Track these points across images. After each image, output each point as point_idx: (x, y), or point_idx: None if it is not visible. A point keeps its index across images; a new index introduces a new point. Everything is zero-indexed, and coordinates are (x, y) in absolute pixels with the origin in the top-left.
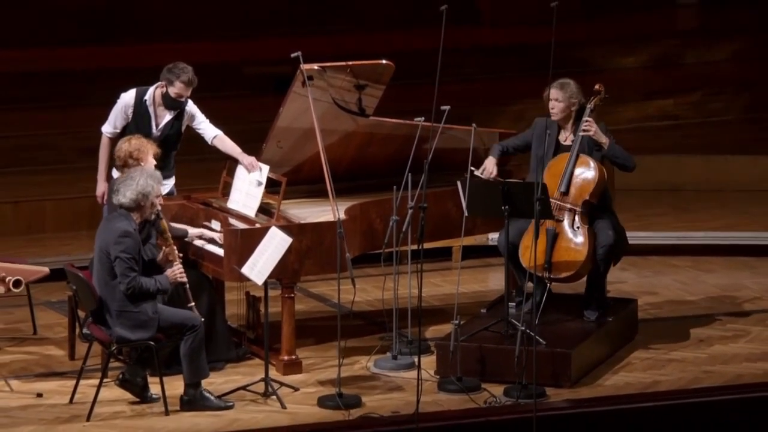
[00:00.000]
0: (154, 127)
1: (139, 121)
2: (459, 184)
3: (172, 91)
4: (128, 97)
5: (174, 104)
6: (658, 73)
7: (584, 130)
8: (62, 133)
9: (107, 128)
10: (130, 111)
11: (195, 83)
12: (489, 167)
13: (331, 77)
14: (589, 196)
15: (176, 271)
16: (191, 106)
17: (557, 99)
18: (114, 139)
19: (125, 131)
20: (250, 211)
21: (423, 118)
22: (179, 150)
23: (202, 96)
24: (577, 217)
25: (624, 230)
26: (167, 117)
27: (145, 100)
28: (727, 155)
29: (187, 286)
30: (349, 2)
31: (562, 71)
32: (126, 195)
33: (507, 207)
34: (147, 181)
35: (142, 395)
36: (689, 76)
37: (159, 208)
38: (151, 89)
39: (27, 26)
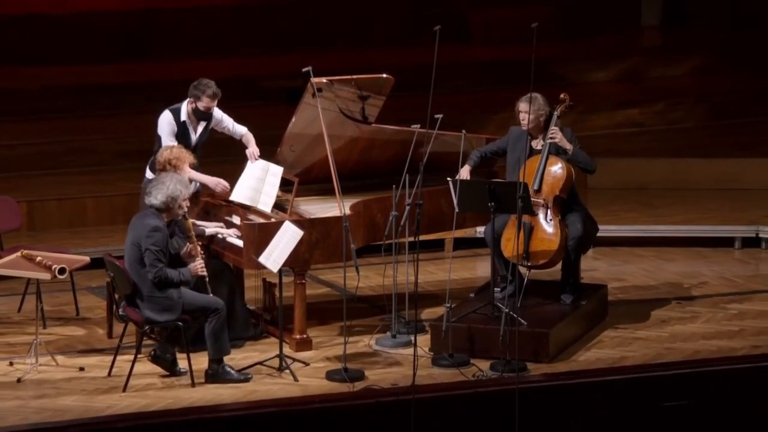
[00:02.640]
0: (192, 138)
1: (179, 138)
2: (451, 183)
3: (201, 105)
4: (168, 118)
5: (204, 116)
6: (626, 86)
7: (551, 137)
8: (102, 139)
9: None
10: (175, 129)
11: (219, 95)
12: (463, 175)
13: (338, 89)
14: (559, 191)
15: (198, 266)
16: (216, 111)
17: (526, 111)
18: None
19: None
20: (267, 207)
21: (419, 125)
22: (207, 153)
23: (224, 106)
24: (549, 211)
25: (594, 220)
26: (200, 127)
27: (184, 121)
28: (687, 158)
29: (207, 279)
30: (354, 23)
31: (542, 84)
32: (157, 197)
33: (493, 204)
34: (176, 186)
35: (171, 369)
36: (653, 89)
37: (185, 210)
38: (184, 108)
39: (73, 45)
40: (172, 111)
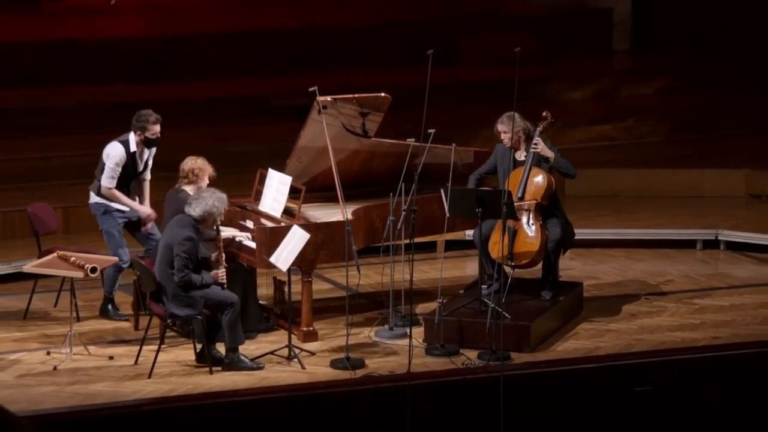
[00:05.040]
0: (140, 166)
1: (128, 167)
2: (442, 191)
3: (150, 133)
4: (121, 150)
5: (154, 142)
6: (599, 104)
7: (534, 147)
8: None
9: (112, 183)
10: (125, 160)
11: (160, 118)
12: None
13: (341, 106)
14: (540, 198)
15: (219, 273)
16: None
17: (504, 131)
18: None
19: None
20: (277, 212)
21: (414, 139)
22: (224, 164)
23: (239, 123)
24: (531, 216)
25: (571, 225)
26: (146, 154)
27: (134, 152)
28: (653, 169)
29: (225, 287)
30: (355, 47)
31: (525, 102)
32: (196, 210)
33: (480, 209)
34: (215, 203)
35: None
36: (624, 107)
37: (219, 223)
38: (132, 141)
39: (102, 68)
40: (122, 143)
